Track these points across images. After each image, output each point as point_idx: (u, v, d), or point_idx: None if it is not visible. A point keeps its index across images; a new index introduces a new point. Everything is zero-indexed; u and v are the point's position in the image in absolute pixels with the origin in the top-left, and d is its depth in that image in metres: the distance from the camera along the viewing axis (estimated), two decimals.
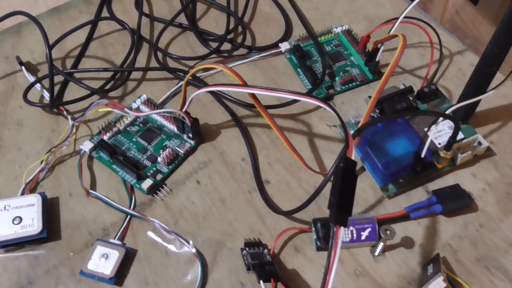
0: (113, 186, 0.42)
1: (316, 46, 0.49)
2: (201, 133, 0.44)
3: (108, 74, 0.49)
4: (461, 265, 0.37)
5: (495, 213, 0.39)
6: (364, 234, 0.37)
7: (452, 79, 0.48)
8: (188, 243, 0.38)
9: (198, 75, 0.49)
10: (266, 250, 0.37)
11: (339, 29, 0.51)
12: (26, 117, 0.47)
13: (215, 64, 0.38)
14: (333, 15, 0.54)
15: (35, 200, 0.39)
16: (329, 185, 0.31)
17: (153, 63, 0.50)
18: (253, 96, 0.37)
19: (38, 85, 0.48)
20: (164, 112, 0.42)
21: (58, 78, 0.49)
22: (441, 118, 0.38)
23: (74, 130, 0.44)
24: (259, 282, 0.34)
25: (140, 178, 0.41)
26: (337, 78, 0.47)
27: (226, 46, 0.51)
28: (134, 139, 0.44)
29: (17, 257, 0.38)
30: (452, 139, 0.38)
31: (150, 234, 0.39)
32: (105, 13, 0.55)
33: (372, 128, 0.42)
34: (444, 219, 0.39)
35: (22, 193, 0.40)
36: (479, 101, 0.41)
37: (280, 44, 0.50)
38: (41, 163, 0.42)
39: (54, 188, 0.42)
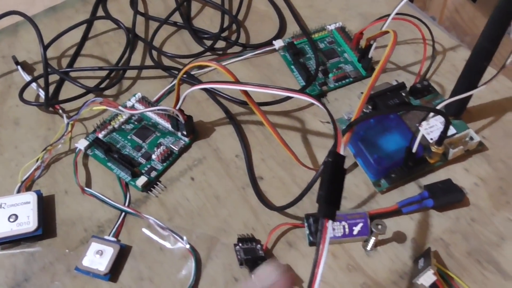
0: (108, 184, 0.42)
1: (310, 43, 0.49)
2: (196, 130, 0.44)
3: (103, 73, 0.49)
4: (452, 258, 0.37)
5: (487, 207, 0.40)
6: (356, 229, 0.38)
7: (445, 75, 0.48)
8: (182, 239, 0.38)
9: (193, 73, 0.49)
10: (259, 246, 0.37)
11: (332, 26, 0.52)
12: (22, 116, 0.47)
13: (207, 62, 0.38)
14: (327, 12, 0.55)
15: (30, 198, 0.39)
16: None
17: (148, 62, 0.51)
18: (246, 93, 0.38)
19: (34, 84, 0.48)
20: (158, 110, 0.42)
21: (55, 77, 0.49)
22: (432, 114, 0.39)
23: (69, 128, 0.44)
24: (250, 277, 0.34)
25: (135, 175, 0.42)
26: (330, 75, 0.47)
27: (221, 44, 0.52)
28: (129, 137, 0.44)
29: (13, 254, 0.38)
30: (443, 134, 0.38)
31: (145, 230, 0.39)
32: (100, 12, 0.56)
33: (365, 124, 0.42)
34: (436, 214, 0.40)
35: (18, 191, 0.41)
36: (470, 96, 0.41)
37: (274, 42, 0.50)
38: (37, 161, 0.43)
39: (50, 186, 0.42)
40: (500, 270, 0.37)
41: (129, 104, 0.46)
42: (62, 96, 0.49)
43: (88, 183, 0.42)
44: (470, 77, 0.39)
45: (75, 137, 0.45)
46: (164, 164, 0.42)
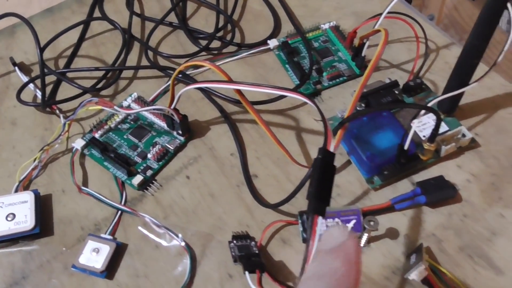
0: (104, 183, 0.43)
1: (304, 42, 0.50)
2: (191, 130, 0.45)
3: (100, 73, 0.50)
4: (445, 254, 0.38)
5: (479, 203, 0.40)
6: (349, 226, 0.38)
7: (439, 72, 0.48)
8: (178, 236, 0.39)
9: (188, 72, 0.49)
10: (253, 243, 0.38)
11: (327, 25, 0.52)
12: (20, 116, 0.48)
13: (201, 62, 0.39)
14: (322, 11, 0.55)
15: (28, 197, 0.40)
16: None
17: (144, 62, 0.51)
18: (239, 92, 0.38)
19: (31, 85, 0.49)
20: (153, 109, 0.43)
21: (52, 78, 0.50)
22: (424, 111, 0.39)
23: (66, 128, 0.45)
24: (244, 273, 0.35)
25: (131, 174, 0.42)
26: (324, 74, 0.48)
27: (216, 43, 0.52)
28: (125, 136, 0.45)
29: (11, 253, 0.39)
30: (435, 131, 0.39)
31: (141, 228, 0.40)
32: (97, 13, 0.56)
33: (358, 121, 0.42)
34: (429, 210, 0.40)
35: (16, 191, 0.41)
36: (462, 93, 0.42)
37: (268, 41, 0.51)
38: (34, 161, 0.43)
39: (47, 185, 0.43)
40: (491, 265, 0.37)
41: (125, 104, 0.47)
42: (60, 96, 0.49)
43: (85, 182, 0.43)
44: (461, 75, 0.40)
45: (72, 137, 0.45)
46: (160, 163, 0.43)
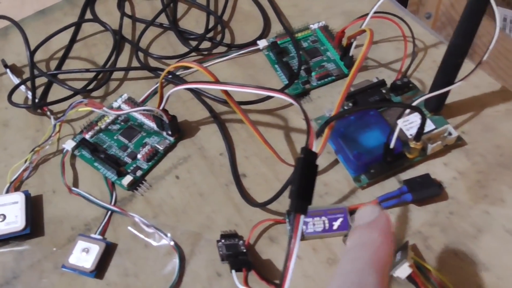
0: (95, 183, 0.43)
1: (293, 42, 0.50)
2: (181, 130, 0.45)
3: (91, 75, 0.50)
4: (430, 251, 0.38)
5: (465, 201, 0.40)
6: (336, 224, 0.38)
7: (427, 71, 0.49)
8: (167, 236, 0.39)
9: (179, 73, 0.50)
10: (241, 241, 0.38)
11: (316, 25, 0.52)
12: (11, 118, 0.48)
13: (188, 63, 0.39)
14: (311, 11, 0.55)
15: (18, 197, 0.40)
16: None
17: (135, 63, 0.52)
18: (226, 92, 0.38)
19: (23, 87, 0.49)
20: (142, 110, 0.43)
21: (44, 79, 0.50)
22: (409, 110, 0.39)
23: (57, 129, 0.45)
24: (231, 272, 0.35)
25: (121, 175, 0.43)
26: (313, 73, 0.48)
27: (207, 44, 0.52)
28: (115, 137, 0.45)
29: (3, 253, 0.39)
30: (420, 130, 0.39)
31: (130, 228, 0.40)
32: (88, 15, 0.57)
33: (346, 121, 0.43)
34: (416, 208, 0.40)
35: (7, 192, 0.42)
36: (448, 92, 0.42)
37: (258, 42, 0.51)
38: (25, 162, 0.44)
39: (38, 186, 0.43)
40: (476, 261, 0.37)
41: (115, 105, 0.47)
42: (51, 98, 0.50)
43: (76, 183, 0.43)
44: (446, 74, 0.40)
45: (63, 138, 0.46)
46: (150, 163, 0.43)
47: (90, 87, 0.49)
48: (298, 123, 0.46)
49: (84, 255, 0.38)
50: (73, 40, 0.54)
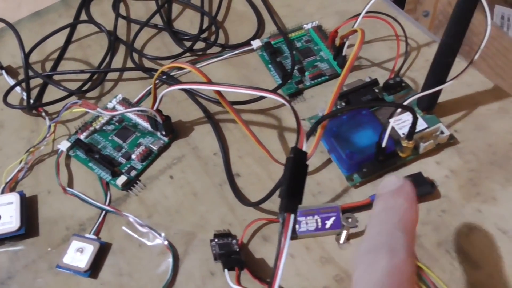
0: (89, 183, 0.43)
1: (286, 42, 0.51)
2: (175, 130, 0.46)
3: (86, 75, 0.51)
4: (423, 249, 0.38)
5: (457, 199, 0.41)
6: (329, 223, 0.39)
7: (420, 70, 0.49)
8: (161, 235, 0.40)
9: (173, 73, 0.50)
10: (234, 241, 0.38)
11: (309, 25, 0.53)
12: (7, 119, 0.48)
13: (181, 64, 0.39)
14: (305, 11, 0.56)
15: (13, 198, 0.41)
16: None
17: (130, 64, 0.52)
18: (219, 93, 0.39)
19: (18, 88, 0.50)
20: (136, 110, 0.44)
21: (39, 80, 0.51)
22: (400, 109, 0.40)
23: (52, 130, 0.45)
24: (223, 271, 0.35)
25: (115, 175, 0.43)
26: (306, 73, 0.49)
27: (201, 45, 0.53)
28: (110, 138, 0.45)
29: None
30: (412, 129, 0.39)
31: (125, 228, 0.41)
32: (83, 16, 0.57)
33: (338, 120, 0.43)
34: None
35: (2, 192, 0.42)
36: (440, 91, 0.42)
37: (252, 42, 0.51)
38: (20, 162, 0.44)
39: (33, 186, 0.43)
40: (468, 260, 0.38)
41: (110, 105, 0.47)
42: (46, 99, 0.50)
43: (70, 183, 0.43)
44: (437, 73, 0.40)
45: (58, 139, 0.46)
46: (144, 163, 0.44)
47: (85, 88, 0.49)
48: (291, 122, 0.46)
49: (79, 255, 0.38)
50: (68, 41, 0.54)
